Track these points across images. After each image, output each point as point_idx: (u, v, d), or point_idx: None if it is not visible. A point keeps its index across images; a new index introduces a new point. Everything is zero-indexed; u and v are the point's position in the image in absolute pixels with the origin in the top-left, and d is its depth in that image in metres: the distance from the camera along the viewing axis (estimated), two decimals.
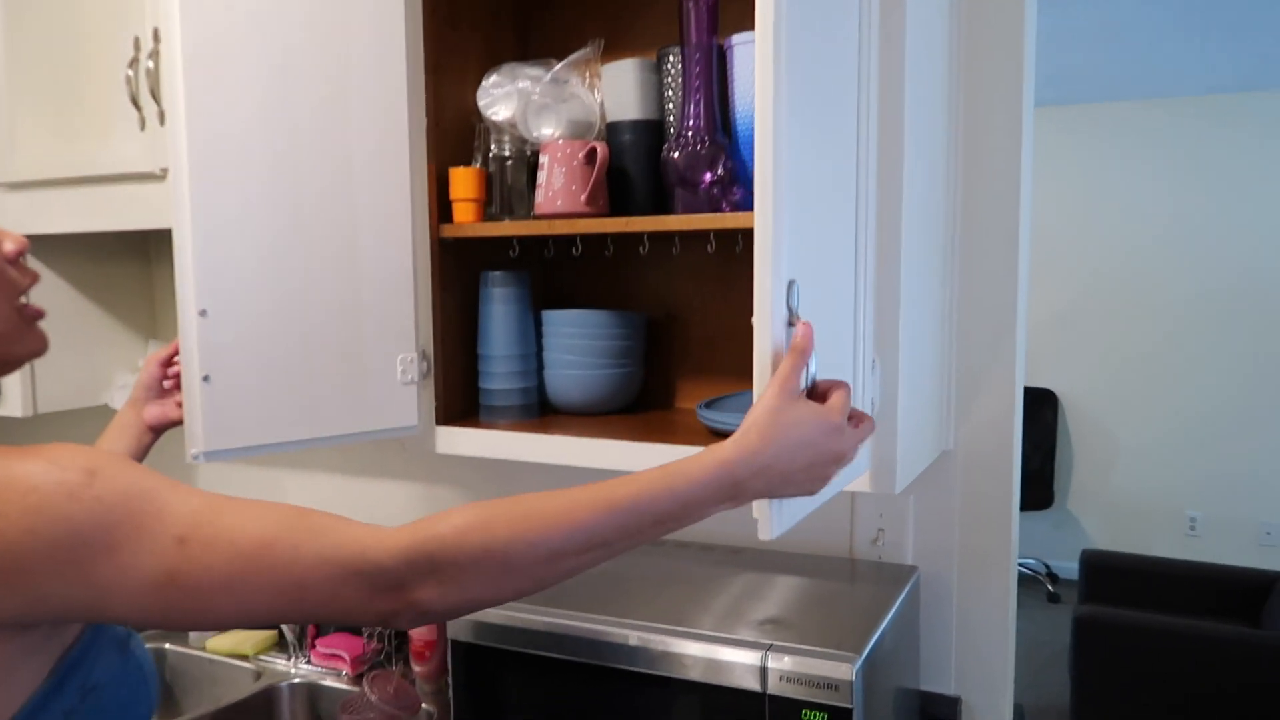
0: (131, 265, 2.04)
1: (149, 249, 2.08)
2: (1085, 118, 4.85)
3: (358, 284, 1.25)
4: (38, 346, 0.83)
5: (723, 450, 0.75)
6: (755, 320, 0.79)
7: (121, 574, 0.62)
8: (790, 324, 0.79)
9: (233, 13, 1.12)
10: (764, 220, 0.79)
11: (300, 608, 0.67)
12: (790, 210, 0.80)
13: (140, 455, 1.16)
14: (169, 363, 1.18)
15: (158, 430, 1.18)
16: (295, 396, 1.17)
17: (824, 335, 0.86)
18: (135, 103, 1.56)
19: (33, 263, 0.87)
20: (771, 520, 0.78)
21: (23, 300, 0.84)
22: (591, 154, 1.29)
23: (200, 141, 1.09)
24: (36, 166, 1.69)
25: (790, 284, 0.80)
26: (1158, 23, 3.36)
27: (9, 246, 0.80)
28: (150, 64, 1.52)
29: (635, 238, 1.45)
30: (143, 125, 1.56)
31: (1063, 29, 3.41)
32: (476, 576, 0.69)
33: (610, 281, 1.55)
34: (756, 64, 0.79)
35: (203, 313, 1.08)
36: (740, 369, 1.46)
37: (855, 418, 0.81)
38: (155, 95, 1.52)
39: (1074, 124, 4.86)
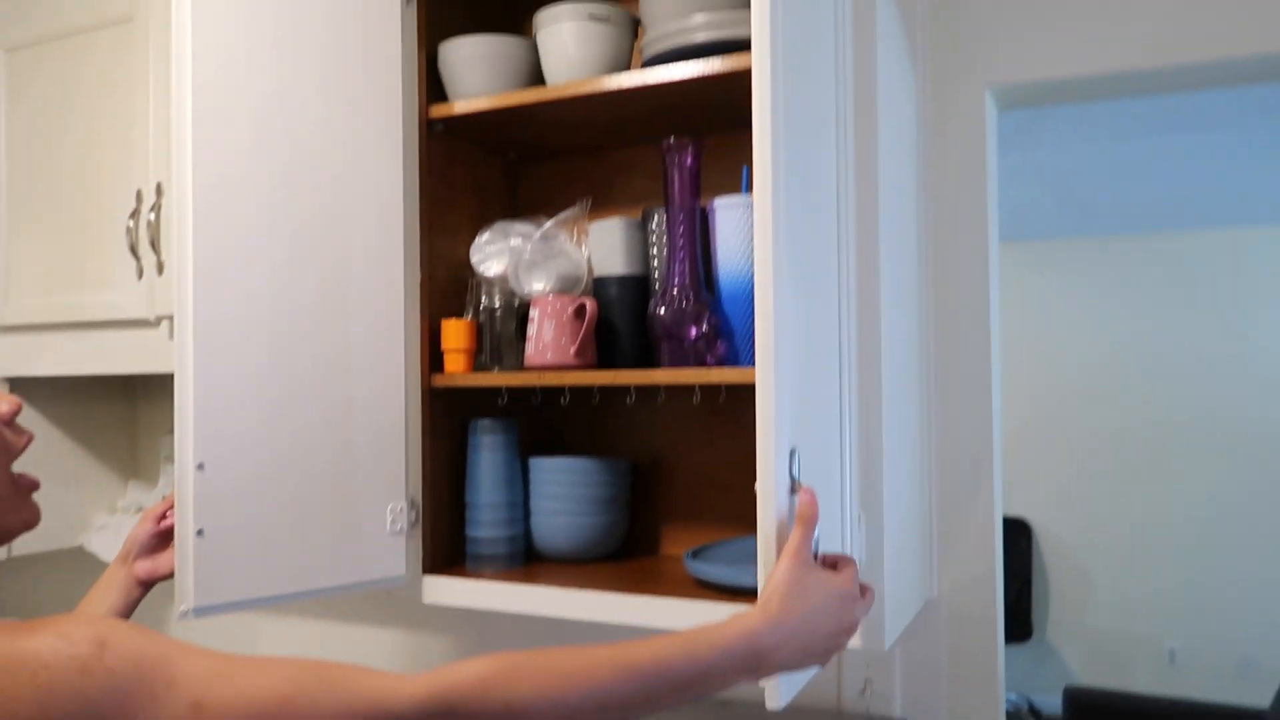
0: (114, 405, 2.05)
1: (135, 390, 2.09)
2: (1045, 252, 5.05)
3: (351, 434, 1.27)
4: (30, 518, 0.83)
5: (748, 619, 0.76)
6: (759, 487, 0.82)
7: None
8: (792, 491, 0.82)
9: (245, 178, 1.17)
10: (766, 394, 0.82)
11: None
12: (790, 381, 0.84)
13: (129, 610, 1.15)
14: (162, 517, 1.18)
15: (147, 585, 1.17)
16: (288, 549, 1.17)
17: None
18: (134, 252, 1.60)
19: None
20: (779, 690, 0.79)
21: (15, 469, 0.84)
22: (581, 309, 1.34)
23: (206, 298, 1.12)
24: (30, 310, 1.72)
25: (792, 452, 0.83)
26: (1107, 165, 3.55)
27: (3, 408, 0.80)
28: (152, 216, 1.57)
29: (623, 388, 1.49)
30: (140, 274, 1.60)
31: (1021, 169, 3.58)
32: None
33: (596, 428, 1.58)
34: (756, 248, 0.84)
35: (200, 466, 1.10)
36: (725, 516, 1.48)
37: (861, 588, 0.83)
38: (155, 246, 1.57)
39: (1035, 258, 5.06)
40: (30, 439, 0.85)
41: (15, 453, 0.82)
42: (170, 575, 1.15)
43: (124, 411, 2.07)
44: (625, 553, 1.50)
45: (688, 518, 1.52)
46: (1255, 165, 3.48)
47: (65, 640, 0.62)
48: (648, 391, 1.52)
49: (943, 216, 1.40)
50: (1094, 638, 4.90)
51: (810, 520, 0.80)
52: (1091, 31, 1.32)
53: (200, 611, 1.09)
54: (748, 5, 1.24)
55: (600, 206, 1.55)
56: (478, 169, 1.55)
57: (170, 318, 1.59)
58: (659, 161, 1.52)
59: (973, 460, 1.36)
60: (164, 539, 1.18)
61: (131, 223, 1.60)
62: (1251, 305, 4.69)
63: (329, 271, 1.25)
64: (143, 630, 0.67)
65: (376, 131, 1.32)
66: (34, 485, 0.84)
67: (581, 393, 1.54)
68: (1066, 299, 5.00)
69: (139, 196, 1.61)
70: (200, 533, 1.09)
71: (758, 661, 0.75)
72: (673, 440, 1.53)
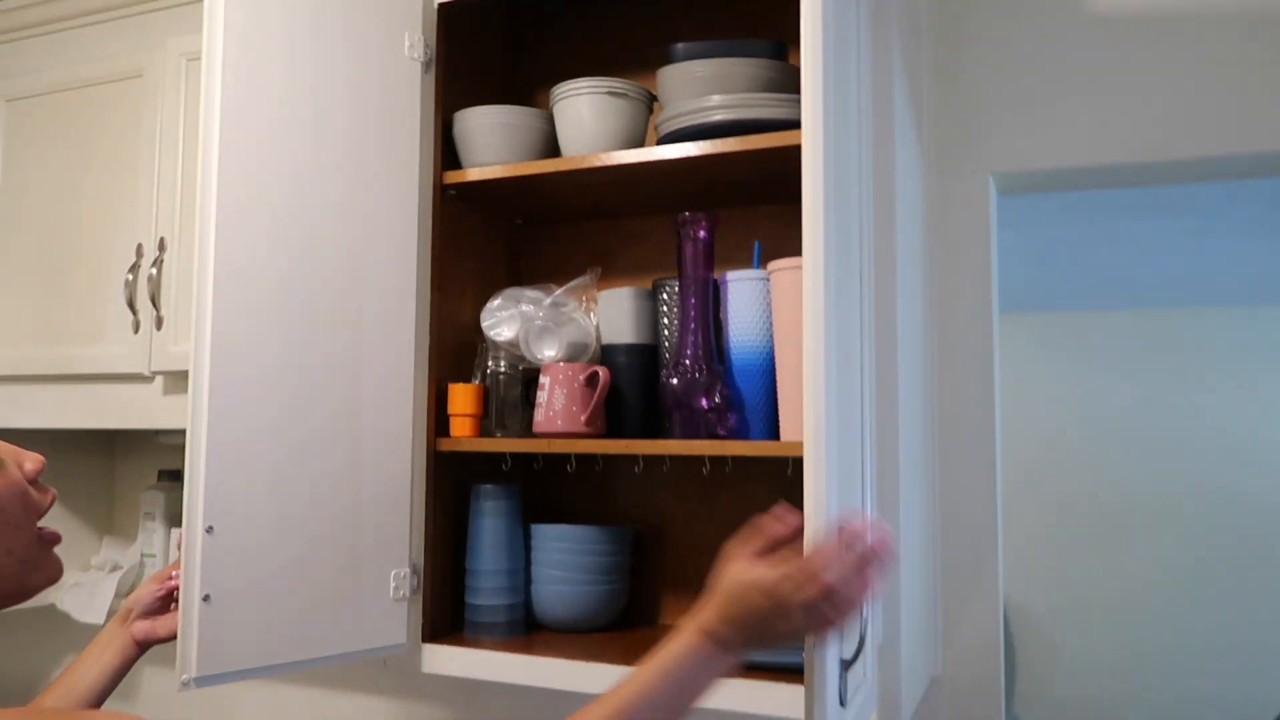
0: (92, 459, 2.00)
1: (114, 444, 2.04)
2: (1011, 325, 5.11)
3: (359, 498, 1.25)
4: (54, 573, 0.82)
5: (699, 617, 0.83)
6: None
7: None
8: None
9: (269, 243, 1.17)
10: (816, 470, 0.83)
11: None
12: (836, 456, 0.85)
13: (124, 671, 1.11)
14: (168, 579, 1.15)
15: (144, 647, 1.14)
16: (292, 616, 1.15)
17: None
18: (132, 305, 1.58)
19: None
20: None
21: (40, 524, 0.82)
22: (593, 378, 1.34)
23: (221, 361, 1.11)
24: (19, 362, 1.69)
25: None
26: (1112, 240, 3.56)
27: (29, 466, 0.80)
28: (154, 271, 1.56)
29: (628, 456, 1.49)
30: (136, 328, 1.58)
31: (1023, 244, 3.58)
32: None
33: (596, 494, 1.57)
34: (807, 326, 0.85)
35: (209, 529, 1.07)
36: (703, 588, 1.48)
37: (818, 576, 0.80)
38: (156, 300, 1.55)
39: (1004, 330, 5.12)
40: (54, 497, 0.83)
41: (41, 512, 0.81)
42: (168, 638, 1.12)
43: (101, 466, 2.02)
44: (625, 622, 1.49)
45: (687, 587, 1.51)
46: (1222, 249, 3.58)
47: None
48: (651, 459, 1.52)
49: (947, 293, 1.43)
50: (1062, 709, 4.88)
51: (766, 533, 0.86)
52: (1086, 126, 1.38)
53: (202, 681, 1.06)
54: (761, 89, 1.29)
55: (605, 275, 1.56)
56: (483, 234, 1.56)
57: (165, 373, 1.57)
58: (665, 231, 1.55)
59: (976, 535, 1.38)
60: (166, 601, 1.15)
61: (130, 276, 1.59)
62: (1213, 380, 4.80)
63: (344, 335, 1.25)
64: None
65: (394, 197, 1.33)
66: (56, 539, 0.82)
67: (584, 459, 1.54)
68: (1030, 371, 5.07)
69: (139, 250, 1.60)
70: (207, 598, 1.06)
71: (719, 649, 0.80)
72: (674, 509, 1.53)
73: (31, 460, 0.81)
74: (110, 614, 1.76)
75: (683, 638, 0.81)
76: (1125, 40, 1.38)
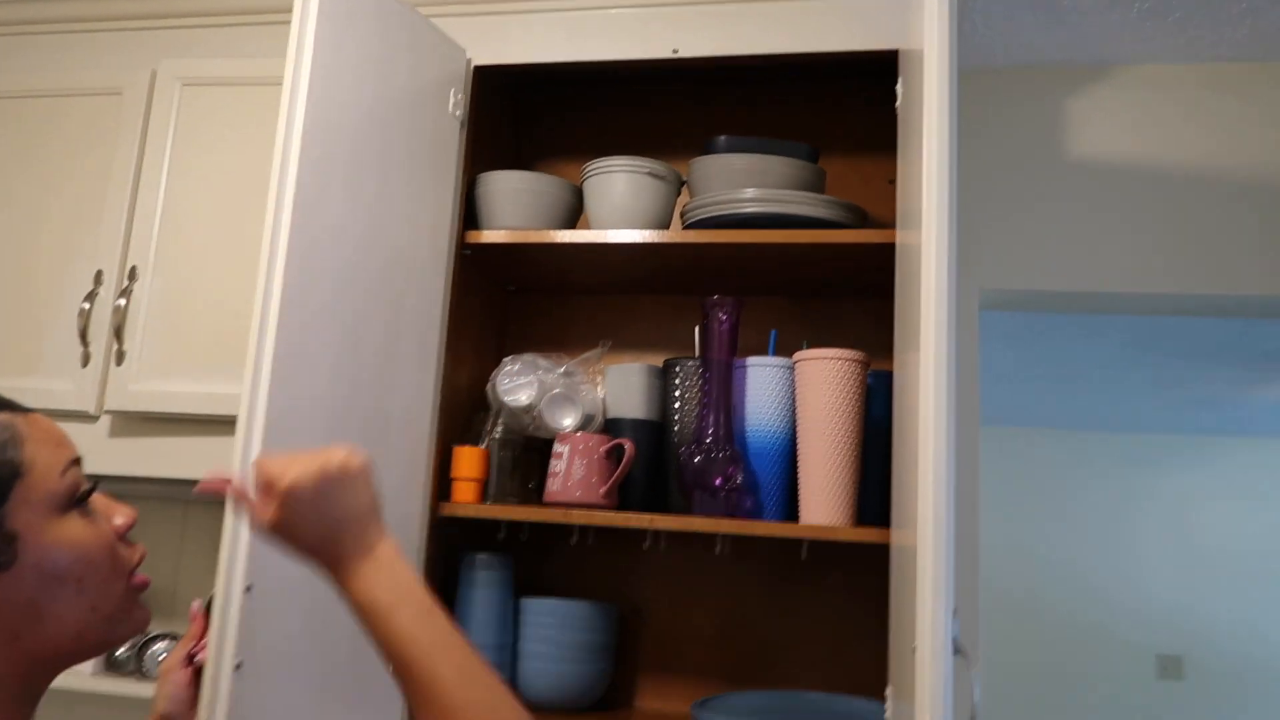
0: None
1: None
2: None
3: None
4: (142, 622, 0.74)
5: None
6: (920, 648, 0.85)
7: None
8: (956, 652, 0.85)
9: (323, 305, 1.11)
10: (936, 552, 0.86)
11: None
12: (952, 541, 0.88)
13: None
14: (188, 660, 1.01)
15: None
16: (317, 684, 1.06)
17: None
18: (83, 337, 1.44)
19: None
20: None
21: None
22: (615, 450, 1.33)
23: (277, 411, 1.03)
24: None
25: (955, 611, 0.87)
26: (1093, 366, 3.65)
27: (119, 521, 0.72)
28: (121, 301, 1.43)
29: (621, 531, 1.48)
30: (85, 361, 1.44)
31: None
32: None
33: (579, 569, 1.54)
34: (928, 407, 0.88)
35: (249, 588, 0.98)
36: (705, 671, 1.47)
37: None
38: (120, 334, 1.42)
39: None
40: (144, 554, 0.75)
41: (129, 570, 0.73)
42: None
43: None
44: (606, 703, 1.45)
45: (665, 670, 1.50)
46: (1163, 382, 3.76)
47: None
48: (634, 536, 1.51)
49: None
50: None
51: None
52: (1065, 258, 1.54)
53: None
54: (794, 187, 1.36)
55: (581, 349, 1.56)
56: (483, 298, 1.54)
57: (117, 413, 1.44)
58: (663, 311, 1.58)
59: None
60: (197, 687, 1.00)
61: (86, 305, 1.45)
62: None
63: (378, 401, 1.20)
64: None
65: (432, 253, 1.30)
66: (145, 585, 0.74)
67: (566, 531, 1.51)
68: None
69: (98, 278, 1.47)
70: (239, 666, 0.96)
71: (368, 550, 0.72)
72: (655, 590, 1.52)
73: (123, 515, 0.73)
74: None
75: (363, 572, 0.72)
76: (1099, 185, 1.56)
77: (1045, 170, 1.59)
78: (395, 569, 0.72)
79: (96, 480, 0.71)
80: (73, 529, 0.67)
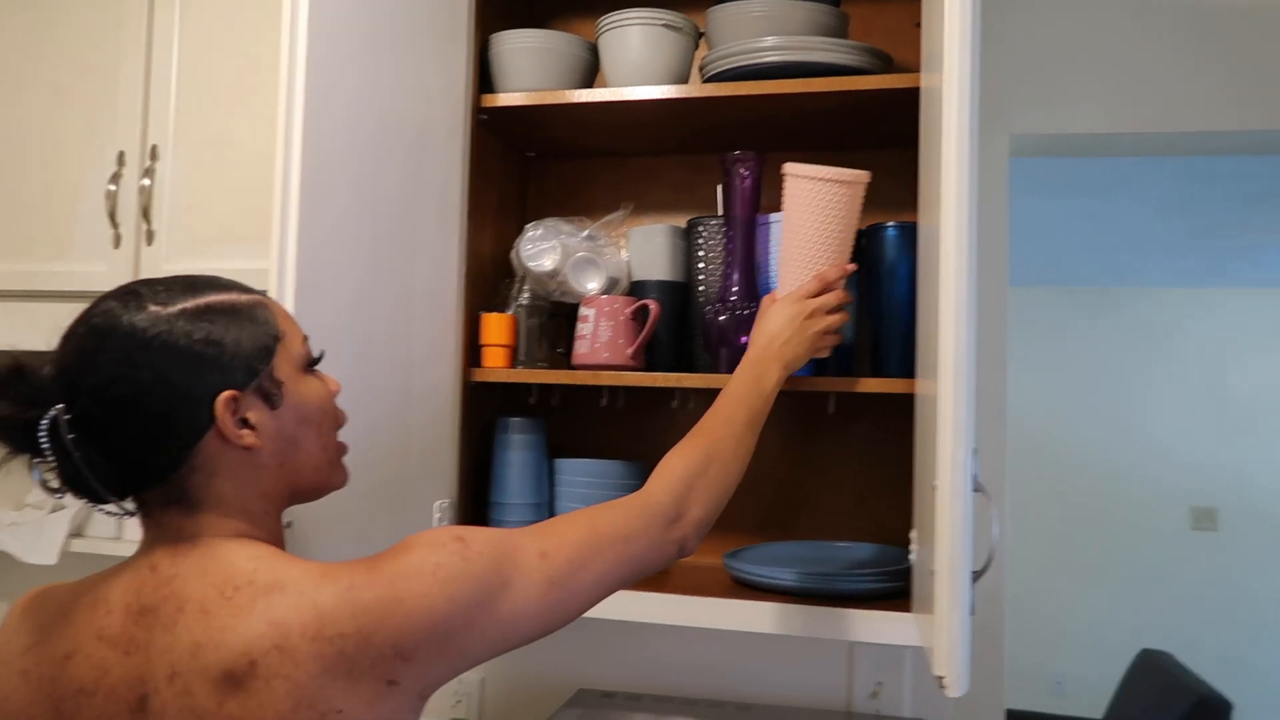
0: None
1: None
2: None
3: (409, 429, 1.21)
4: (341, 480, 0.88)
5: (748, 351, 1.13)
6: (940, 486, 0.86)
7: (518, 599, 0.77)
8: (975, 489, 0.87)
9: (338, 175, 1.10)
10: (957, 394, 0.86)
11: (631, 563, 0.87)
12: (972, 380, 0.88)
13: None
14: None
15: None
16: (352, 550, 1.10)
17: None
18: (113, 219, 1.46)
19: None
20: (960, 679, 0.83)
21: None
22: (641, 311, 1.34)
23: (305, 299, 1.03)
24: None
25: (975, 451, 0.88)
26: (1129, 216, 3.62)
27: (334, 385, 0.87)
28: (145, 181, 1.44)
29: (652, 391, 1.50)
30: (117, 243, 1.46)
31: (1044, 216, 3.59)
32: (708, 482, 0.99)
33: (611, 432, 1.56)
34: (949, 258, 0.87)
35: None
36: (735, 523, 1.51)
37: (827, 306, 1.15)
38: (147, 214, 1.43)
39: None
40: (346, 419, 0.89)
41: (342, 424, 0.87)
42: None
43: None
44: None
45: None
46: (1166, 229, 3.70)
47: (437, 545, 0.75)
48: (662, 395, 1.53)
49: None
50: None
51: (821, 278, 1.15)
52: (1098, 97, 1.48)
53: None
54: (815, 33, 1.31)
55: (604, 212, 1.54)
56: (502, 164, 1.52)
57: None
58: (681, 172, 1.56)
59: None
60: None
61: (112, 186, 1.46)
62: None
63: (402, 273, 1.20)
64: (469, 525, 0.85)
65: (445, 117, 1.28)
66: (345, 449, 0.88)
67: (610, 395, 1.53)
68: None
69: (121, 159, 1.47)
70: (289, 524, 1.01)
71: (763, 367, 1.10)
72: None
73: (335, 382, 0.87)
74: (63, 554, 1.63)
75: (743, 366, 1.10)
76: (1142, 13, 1.49)
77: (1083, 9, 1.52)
78: None
79: (322, 351, 0.86)
80: (313, 384, 0.83)
